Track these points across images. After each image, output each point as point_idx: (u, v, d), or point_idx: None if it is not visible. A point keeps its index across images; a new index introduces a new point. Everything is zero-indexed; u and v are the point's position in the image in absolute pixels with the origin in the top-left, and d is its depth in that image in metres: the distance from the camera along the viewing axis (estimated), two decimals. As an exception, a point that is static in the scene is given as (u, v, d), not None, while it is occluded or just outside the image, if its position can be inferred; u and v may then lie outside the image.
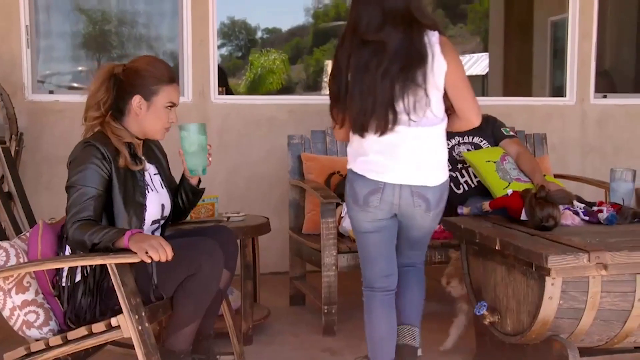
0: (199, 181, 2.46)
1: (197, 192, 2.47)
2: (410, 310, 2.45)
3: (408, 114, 2.19)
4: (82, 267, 2.17)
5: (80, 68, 5.14)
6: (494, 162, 3.33)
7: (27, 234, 2.36)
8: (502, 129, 3.53)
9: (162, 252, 2.02)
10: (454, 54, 2.22)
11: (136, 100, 2.23)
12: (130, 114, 2.25)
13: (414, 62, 2.15)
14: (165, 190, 2.37)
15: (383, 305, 2.37)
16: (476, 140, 3.52)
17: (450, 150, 3.48)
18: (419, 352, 2.48)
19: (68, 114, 3.91)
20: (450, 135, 3.50)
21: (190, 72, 4.06)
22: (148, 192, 2.27)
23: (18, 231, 3.17)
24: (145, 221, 2.25)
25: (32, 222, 2.55)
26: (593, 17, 4.58)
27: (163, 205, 2.33)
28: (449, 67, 2.18)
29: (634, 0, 5.50)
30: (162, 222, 2.36)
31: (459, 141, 3.52)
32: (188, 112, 4.08)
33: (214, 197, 3.25)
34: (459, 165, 3.46)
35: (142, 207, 2.23)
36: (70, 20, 4.48)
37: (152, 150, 2.40)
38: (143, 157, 2.31)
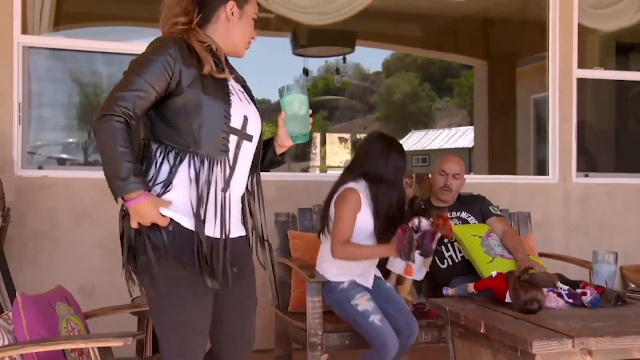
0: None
1: (277, 163, 2.30)
2: None
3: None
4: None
5: (70, 139, 5.19)
6: (480, 237, 3.39)
7: (10, 313, 2.34)
8: (490, 207, 3.63)
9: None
10: (341, 201, 3.04)
11: (230, 5, 2.10)
12: (219, 22, 2.11)
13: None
14: (252, 105, 2.15)
15: None
16: (464, 215, 3.59)
17: None
18: None
19: (55, 189, 3.93)
20: (438, 210, 3.58)
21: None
22: (231, 94, 2.05)
23: (0, 310, 3.14)
24: (232, 118, 2.02)
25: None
26: (572, 98, 4.73)
27: (246, 117, 2.08)
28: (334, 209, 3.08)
29: (610, 83, 5.69)
30: (246, 141, 2.09)
31: (447, 216, 3.58)
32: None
33: (199, 275, 3.24)
34: (445, 240, 3.50)
35: (227, 102, 2.01)
36: (62, 91, 4.57)
37: (236, 72, 2.22)
38: (227, 68, 2.12)
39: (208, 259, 1.96)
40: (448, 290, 2.88)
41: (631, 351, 2.21)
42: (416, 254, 2.89)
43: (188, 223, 1.97)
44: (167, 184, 1.97)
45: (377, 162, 3.08)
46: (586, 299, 2.64)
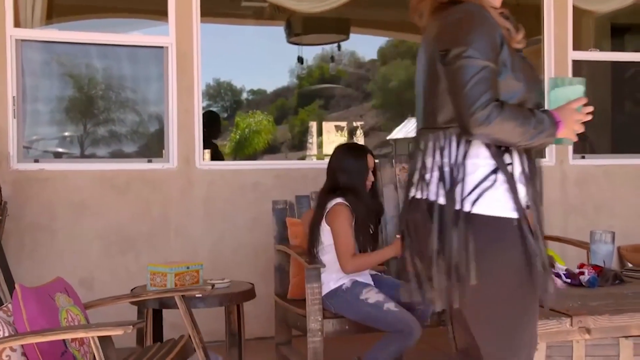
0: None
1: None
2: None
3: None
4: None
5: (66, 133, 5.19)
6: None
7: (10, 305, 2.35)
8: None
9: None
10: (335, 217, 3.08)
11: None
12: None
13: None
14: None
15: None
16: None
17: None
18: None
19: (52, 182, 3.93)
20: None
21: (175, 139, 4.12)
22: None
23: (0, 303, 3.15)
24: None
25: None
26: (568, 80, 4.72)
27: None
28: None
29: (606, 65, 5.68)
30: None
31: None
32: (173, 178, 4.12)
33: (198, 264, 3.26)
34: None
35: (537, 78, 1.84)
36: (57, 85, 4.55)
37: None
38: None
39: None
40: (446, 274, 2.89)
41: (629, 328, 2.23)
42: None
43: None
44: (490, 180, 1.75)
45: (341, 174, 3.18)
46: (584, 278, 2.66)
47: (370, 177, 3.22)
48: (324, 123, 20.24)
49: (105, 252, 3.99)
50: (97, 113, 5.13)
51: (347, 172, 3.17)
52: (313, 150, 19.18)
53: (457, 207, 1.73)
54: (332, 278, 3.12)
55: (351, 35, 7.68)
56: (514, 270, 1.74)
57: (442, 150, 1.78)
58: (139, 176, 4.09)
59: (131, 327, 2.06)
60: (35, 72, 4.28)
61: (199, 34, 4.15)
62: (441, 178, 1.77)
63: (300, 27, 7.12)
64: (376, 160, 3.85)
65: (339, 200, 3.13)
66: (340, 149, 3.31)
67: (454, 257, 1.71)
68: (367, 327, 3.06)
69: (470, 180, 1.75)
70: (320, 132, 19.87)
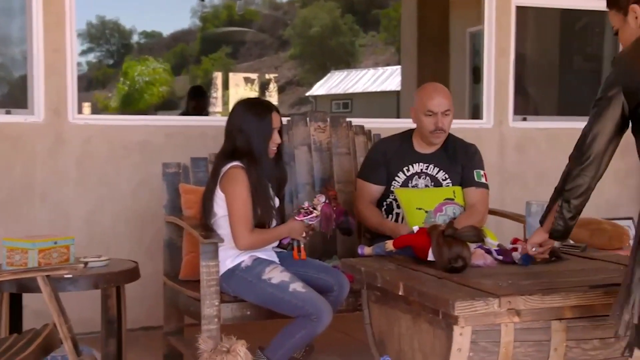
0: None
1: None
2: None
3: None
4: None
5: None
6: (426, 212, 3.37)
7: None
8: (474, 173, 3.57)
9: None
10: (230, 183, 3.11)
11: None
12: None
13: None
14: None
15: None
16: (440, 175, 3.53)
17: (408, 179, 3.56)
18: None
19: None
20: (416, 157, 3.58)
21: (42, 85, 3.98)
22: None
23: None
24: None
25: None
26: (510, 31, 4.86)
27: None
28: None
29: (555, 14, 5.86)
30: None
31: (421, 169, 3.56)
32: (39, 134, 4.00)
33: (69, 238, 3.20)
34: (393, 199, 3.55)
35: None
36: None
37: None
38: None
39: None
40: (364, 249, 2.96)
41: (562, 310, 2.35)
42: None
43: None
44: None
45: (238, 135, 3.17)
46: (517, 255, 2.78)
47: (276, 139, 3.22)
48: (231, 74, 20.12)
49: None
50: None
51: (246, 133, 3.17)
52: (217, 106, 19.05)
53: None
54: (229, 255, 3.13)
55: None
56: None
57: None
58: (-6, 131, 3.95)
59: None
60: None
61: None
62: None
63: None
64: (287, 119, 3.86)
65: (234, 163, 3.14)
66: (239, 105, 3.31)
67: None
68: (271, 312, 3.10)
69: None
70: (226, 85, 19.73)
